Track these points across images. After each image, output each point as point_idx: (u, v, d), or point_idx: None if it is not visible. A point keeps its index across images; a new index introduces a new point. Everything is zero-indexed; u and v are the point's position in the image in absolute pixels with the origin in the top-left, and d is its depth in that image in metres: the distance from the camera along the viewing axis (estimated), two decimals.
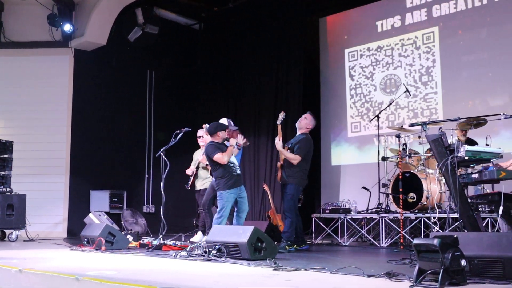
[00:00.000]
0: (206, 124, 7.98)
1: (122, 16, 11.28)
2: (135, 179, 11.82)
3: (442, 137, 5.20)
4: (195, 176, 8.66)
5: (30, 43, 11.18)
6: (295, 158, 7.52)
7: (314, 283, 4.15)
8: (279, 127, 7.83)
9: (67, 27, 10.78)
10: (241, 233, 5.85)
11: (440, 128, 5.42)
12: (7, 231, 9.31)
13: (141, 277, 4.30)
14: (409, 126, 5.79)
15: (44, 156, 10.78)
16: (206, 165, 8.24)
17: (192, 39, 13.19)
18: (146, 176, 11.96)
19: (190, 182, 8.67)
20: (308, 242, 8.74)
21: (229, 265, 5.35)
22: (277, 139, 7.68)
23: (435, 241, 3.76)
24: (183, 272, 4.88)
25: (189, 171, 8.67)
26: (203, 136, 8.51)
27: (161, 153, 7.64)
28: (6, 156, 9.41)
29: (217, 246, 6.00)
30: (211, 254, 5.93)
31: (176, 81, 12.75)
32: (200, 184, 8.63)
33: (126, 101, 11.78)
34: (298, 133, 7.86)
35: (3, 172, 9.36)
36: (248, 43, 12.32)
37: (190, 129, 8.17)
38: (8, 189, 9.36)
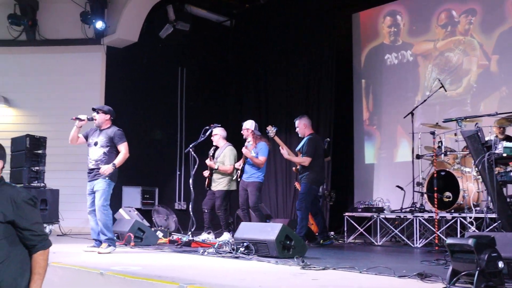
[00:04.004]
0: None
1: (153, 13, 11.27)
2: (167, 176, 11.82)
3: (479, 133, 5.00)
4: (210, 178, 8.55)
5: (64, 41, 11.27)
6: (304, 160, 7.86)
7: (342, 282, 4.03)
8: (276, 139, 8.00)
9: (99, 24, 10.82)
10: (270, 231, 5.76)
11: (476, 124, 5.22)
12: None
13: (165, 273, 4.23)
14: (443, 121, 5.58)
15: (78, 152, 10.76)
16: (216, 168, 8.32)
17: (223, 36, 13.13)
18: (178, 173, 11.95)
19: (206, 183, 8.55)
20: (340, 241, 8.64)
21: (256, 263, 5.26)
22: (280, 149, 7.99)
23: (470, 241, 3.58)
24: (209, 269, 4.81)
25: (205, 173, 8.57)
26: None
27: (190, 149, 7.59)
28: (40, 151, 9.49)
29: (245, 243, 5.91)
30: (239, 251, 5.85)
31: (208, 77, 12.70)
32: (214, 186, 8.46)
33: (158, 98, 11.78)
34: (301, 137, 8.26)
35: (37, 168, 9.43)
36: (279, 39, 12.21)
37: (220, 125, 8.12)
38: (42, 184, 9.44)
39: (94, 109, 6.71)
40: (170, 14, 11.42)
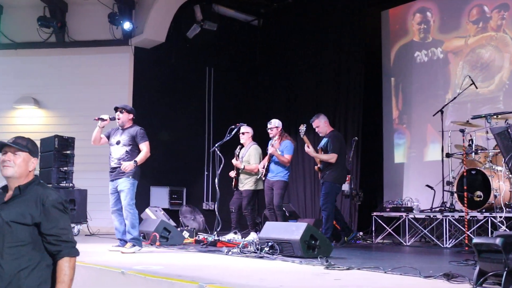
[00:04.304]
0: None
1: (180, 13, 11.29)
2: (195, 176, 11.82)
3: (509, 130, 4.84)
4: (237, 178, 8.48)
5: (92, 42, 11.38)
6: (331, 157, 7.66)
7: (365, 282, 3.93)
8: (305, 138, 7.82)
9: (127, 25, 10.87)
10: (294, 230, 5.67)
11: (507, 120, 5.06)
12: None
13: (186, 272, 4.19)
14: (472, 118, 5.43)
15: (106, 153, 10.84)
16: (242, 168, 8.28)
17: (251, 35, 13.08)
18: (206, 173, 11.93)
19: (233, 183, 8.50)
20: (368, 241, 8.50)
21: (280, 263, 5.18)
22: (306, 147, 7.75)
23: (498, 241, 3.45)
24: (230, 269, 4.75)
25: (232, 174, 8.52)
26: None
27: (216, 149, 7.55)
28: (68, 152, 9.57)
29: (269, 243, 5.85)
30: (264, 251, 5.78)
31: (236, 77, 12.66)
32: (241, 186, 8.42)
33: (185, 98, 11.78)
34: (322, 136, 7.96)
35: (65, 168, 9.51)
36: (307, 38, 12.10)
37: (245, 124, 8.06)
38: (70, 185, 9.52)
39: (116, 109, 6.66)
40: (198, 14, 11.42)
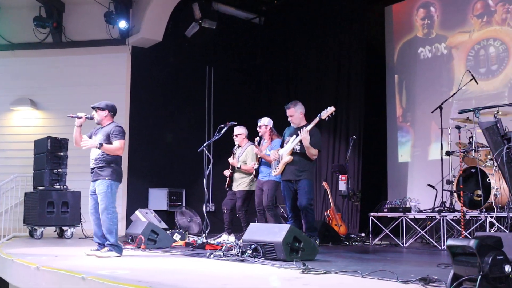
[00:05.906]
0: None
1: (178, 11, 11.09)
2: (194, 177, 11.54)
3: (498, 125, 4.57)
4: (231, 177, 8.25)
5: (89, 42, 11.23)
6: (316, 153, 6.85)
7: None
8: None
9: (122, 24, 10.70)
10: (277, 232, 5.42)
11: (495, 114, 4.78)
12: (65, 228, 9.28)
13: (148, 277, 3.99)
14: (459, 112, 5.14)
15: None
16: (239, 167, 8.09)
17: (252, 33, 12.83)
18: (206, 173, 11.66)
19: (227, 183, 8.28)
20: (366, 243, 8.24)
21: (258, 266, 4.93)
22: (306, 130, 6.75)
23: (472, 242, 3.17)
24: (198, 273, 4.51)
25: (226, 172, 8.29)
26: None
27: (204, 148, 7.34)
28: (61, 153, 9.41)
29: (253, 246, 5.60)
30: (246, 254, 5.54)
31: (236, 77, 12.42)
32: (235, 186, 8.21)
33: (185, 98, 11.58)
34: (295, 127, 7.11)
35: (58, 170, 9.34)
36: (309, 35, 11.90)
37: (236, 123, 7.84)
38: (64, 187, 9.35)
39: (93, 108, 6.38)
40: (196, 12, 11.17)
